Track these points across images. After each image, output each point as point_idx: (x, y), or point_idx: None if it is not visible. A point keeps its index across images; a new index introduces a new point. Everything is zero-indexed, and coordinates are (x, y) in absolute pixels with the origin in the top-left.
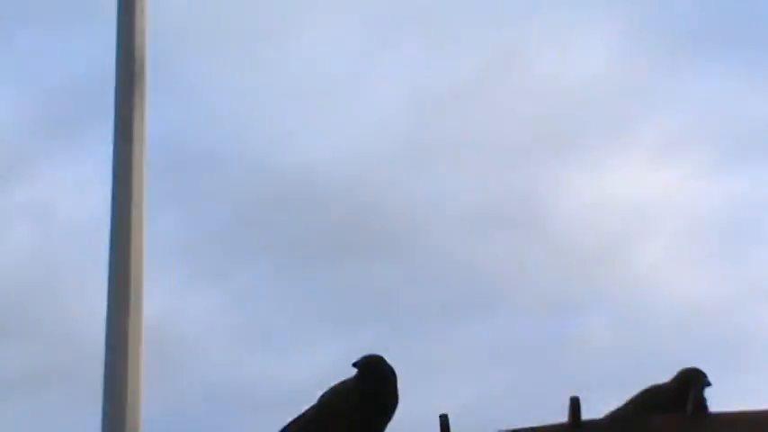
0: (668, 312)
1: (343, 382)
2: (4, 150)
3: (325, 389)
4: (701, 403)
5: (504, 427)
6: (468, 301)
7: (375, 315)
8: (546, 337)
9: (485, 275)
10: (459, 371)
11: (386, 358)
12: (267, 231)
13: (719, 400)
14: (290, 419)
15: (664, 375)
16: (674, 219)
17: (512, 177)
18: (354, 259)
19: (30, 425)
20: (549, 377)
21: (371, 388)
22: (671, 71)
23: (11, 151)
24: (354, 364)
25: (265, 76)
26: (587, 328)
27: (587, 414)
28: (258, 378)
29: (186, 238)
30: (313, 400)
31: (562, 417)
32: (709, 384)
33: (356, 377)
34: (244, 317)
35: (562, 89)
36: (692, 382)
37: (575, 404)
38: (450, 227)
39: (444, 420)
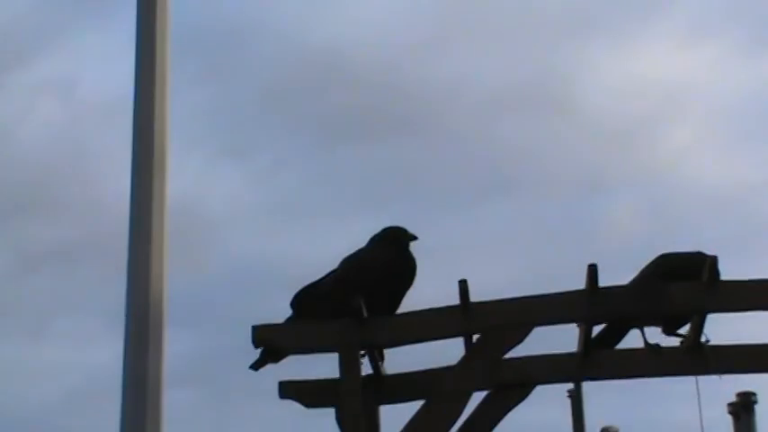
0: (696, 196)
1: (360, 250)
2: (27, 24)
3: (346, 255)
4: (715, 271)
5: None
6: (494, 182)
7: (401, 195)
8: (572, 217)
9: (511, 156)
10: (484, 249)
11: (405, 228)
12: (294, 110)
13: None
14: (314, 280)
15: None
16: (705, 102)
17: (539, 58)
18: (380, 140)
19: (59, 296)
20: (574, 256)
21: (390, 255)
22: None
23: (34, 25)
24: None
25: None
26: (614, 210)
27: None
28: (285, 256)
29: (214, 115)
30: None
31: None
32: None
33: (375, 245)
34: (270, 196)
35: None
36: (701, 255)
37: (592, 271)
38: (477, 108)
39: (464, 286)
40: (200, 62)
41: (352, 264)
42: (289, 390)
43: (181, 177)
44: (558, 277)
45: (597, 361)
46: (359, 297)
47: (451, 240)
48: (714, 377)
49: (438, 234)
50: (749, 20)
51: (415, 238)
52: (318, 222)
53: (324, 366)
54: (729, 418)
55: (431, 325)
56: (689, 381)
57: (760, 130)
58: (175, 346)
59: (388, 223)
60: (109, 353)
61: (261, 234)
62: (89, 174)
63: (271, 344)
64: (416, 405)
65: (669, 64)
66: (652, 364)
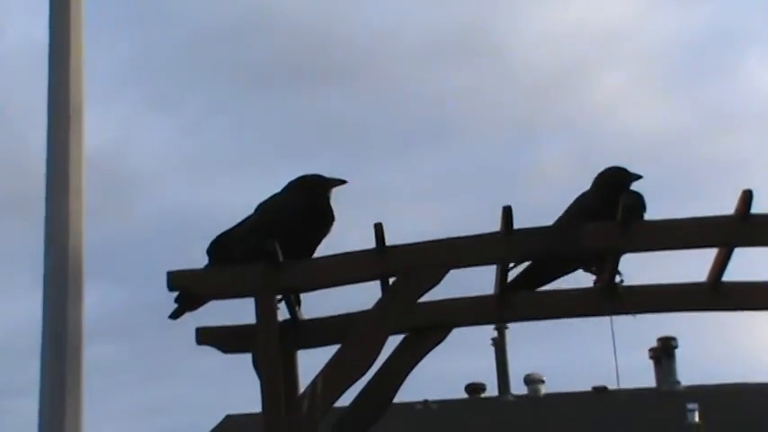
0: (628, 141)
1: (275, 195)
2: None
3: (261, 201)
4: (630, 208)
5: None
6: (422, 130)
7: (331, 143)
8: (504, 164)
9: (442, 104)
10: (412, 195)
11: (323, 175)
12: (221, 60)
13: None
14: (230, 227)
15: None
16: (636, 47)
17: (468, 7)
18: (310, 88)
19: None
20: (502, 203)
21: (305, 200)
22: None
23: None
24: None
25: None
26: (546, 156)
27: None
28: (210, 207)
29: (140, 65)
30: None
31: None
32: (636, 178)
33: (290, 190)
34: (195, 146)
35: None
36: (614, 182)
37: (507, 213)
38: (405, 57)
39: (379, 229)
40: (124, 11)
41: (267, 209)
42: (206, 336)
43: (105, 128)
44: (484, 223)
45: (513, 303)
46: (273, 241)
47: (379, 187)
48: (632, 322)
49: (365, 181)
50: None
51: (339, 182)
52: (244, 172)
53: (248, 313)
54: (651, 363)
55: (347, 268)
56: (611, 327)
57: (692, 75)
58: (98, 300)
59: (314, 171)
60: (32, 308)
61: (185, 184)
62: (11, 128)
63: (186, 289)
64: (333, 349)
65: (601, 9)
66: (567, 305)
